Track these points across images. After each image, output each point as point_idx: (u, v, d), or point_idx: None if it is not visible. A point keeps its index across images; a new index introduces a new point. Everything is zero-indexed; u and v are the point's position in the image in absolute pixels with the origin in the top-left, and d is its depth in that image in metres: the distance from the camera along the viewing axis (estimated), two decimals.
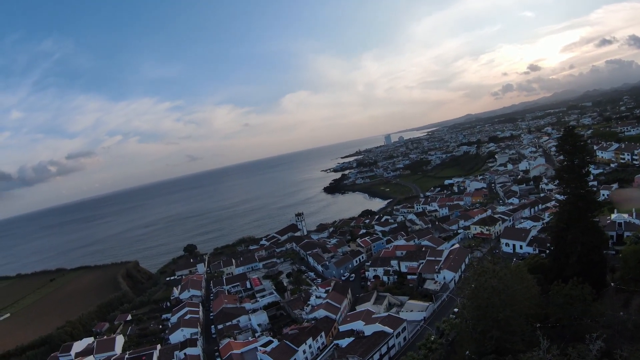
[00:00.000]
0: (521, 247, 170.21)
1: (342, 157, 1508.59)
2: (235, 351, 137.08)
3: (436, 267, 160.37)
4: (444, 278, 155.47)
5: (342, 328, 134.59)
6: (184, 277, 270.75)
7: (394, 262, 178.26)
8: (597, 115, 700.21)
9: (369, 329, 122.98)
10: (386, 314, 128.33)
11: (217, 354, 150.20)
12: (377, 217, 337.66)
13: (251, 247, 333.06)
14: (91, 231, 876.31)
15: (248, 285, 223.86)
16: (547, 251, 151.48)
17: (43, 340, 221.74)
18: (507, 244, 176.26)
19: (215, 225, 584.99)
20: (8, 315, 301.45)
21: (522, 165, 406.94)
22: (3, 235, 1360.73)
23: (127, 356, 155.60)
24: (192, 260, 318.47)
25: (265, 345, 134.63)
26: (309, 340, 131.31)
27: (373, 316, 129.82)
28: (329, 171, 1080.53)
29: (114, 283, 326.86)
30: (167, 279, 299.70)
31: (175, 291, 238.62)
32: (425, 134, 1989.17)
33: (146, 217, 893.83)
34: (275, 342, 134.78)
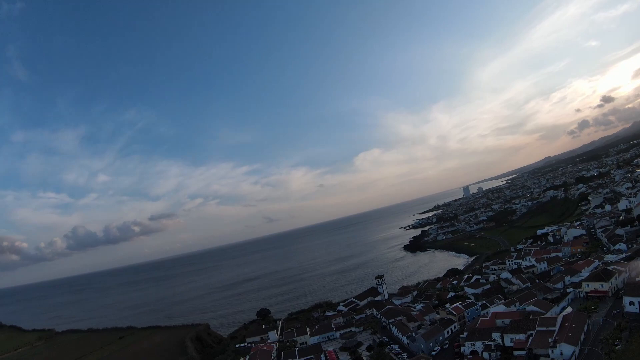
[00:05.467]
0: None
1: (420, 213, 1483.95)
2: None
3: (550, 339, 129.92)
4: (561, 354, 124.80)
5: None
6: (254, 345, 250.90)
7: (495, 335, 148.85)
8: None
9: None
10: None
11: None
12: (465, 277, 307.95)
13: (327, 314, 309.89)
14: (169, 291, 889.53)
15: (323, 359, 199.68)
16: None
17: None
18: (631, 302, 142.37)
19: (291, 289, 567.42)
20: None
21: (622, 205, 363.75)
22: (85, 289, 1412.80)
23: None
24: (264, 327, 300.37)
25: None
26: None
27: None
28: (408, 228, 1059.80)
29: (182, 346, 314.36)
30: (237, 345, 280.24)
31: None
32: (505, 182, 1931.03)
33: (223, 279, 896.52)
34: None
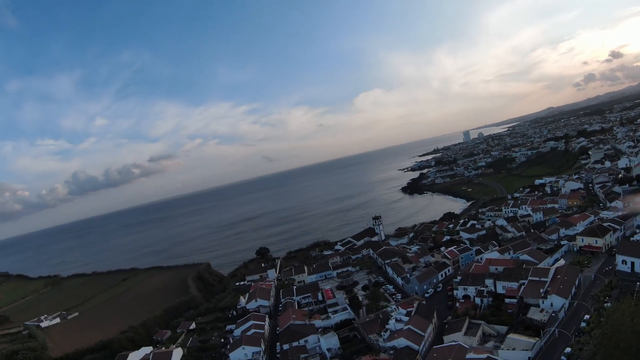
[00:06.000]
0: None
1: (419, 156, 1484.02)
2: None
3: (541, 290, 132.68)
4: (551, 305, 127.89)
5: None
6: (253, 283, 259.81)
7: (488, 281, 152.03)
8: None
9: None
10: (485, 356, 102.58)
11: None
12: (461, 221, 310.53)
13: (325, 253, 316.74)
14: (170, 232, 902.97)
15: (320, 297, 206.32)
16: None
17: (104, 344, 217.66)
18: (624, 262, 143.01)
19: (290, 228, 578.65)
20: (76, 314, 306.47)
21: (622, 163, 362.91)
22: (86, 233, 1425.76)
23: None
24: (263, 265, 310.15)
25: None
26: None
27: (467, 356, 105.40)
28: (406, 170, 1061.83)
29: (184, 285, 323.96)
30: (237, 284, 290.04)
31: (242, 300, 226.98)
32: (506, 129, 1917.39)
33: (223, 218, 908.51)
34: None
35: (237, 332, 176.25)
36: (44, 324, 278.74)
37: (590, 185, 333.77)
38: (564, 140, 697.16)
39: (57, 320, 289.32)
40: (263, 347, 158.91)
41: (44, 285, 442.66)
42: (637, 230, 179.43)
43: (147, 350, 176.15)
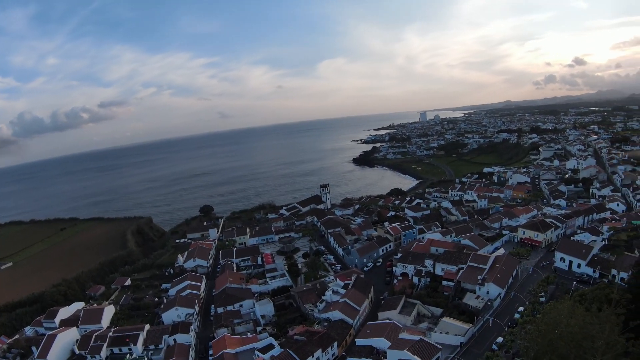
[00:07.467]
0: (579, 265, 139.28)
1: (374, 129, 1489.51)
2: (229, 350, 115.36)
3: (479, 276, 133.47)
4: (488, 292, 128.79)
5: (360, 342, 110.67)
6: (194, 241, 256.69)
7: (428, 262, 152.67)
8: None
9: (393, 355, 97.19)
10: (418, 337, 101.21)
11: (210, 344, 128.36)
12: (407, 199, 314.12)
13: (270, 216, 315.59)
14: (115, 182, 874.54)
15: (259, 261, 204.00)
16: (611, 277, 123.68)
17: (36, 298, 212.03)
18: (562, 259, 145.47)
19: (237, 189, 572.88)
20: (10, 264, 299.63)
21: (570, 164, 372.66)
22: (27, 178, 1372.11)
23: (110, 334, 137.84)
24: (205, 224, 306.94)
25: (264, 350, 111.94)
26: (318, 352, 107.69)
27: (400, 336, 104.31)
28: (360, 142, 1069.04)
29: (123, 239, 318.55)
30: (177, 241, 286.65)
31: (180, 259, 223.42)
32: (462, 115, 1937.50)
33: (171, 172, 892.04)
34: (277, 348, 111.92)
35: (172, 292, 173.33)
36: None
37: (536, 180, 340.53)
38: (517, 133, 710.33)
39: None
40: (197, 308, 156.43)
41: None
42: (579, 231, 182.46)
43: (78, 305, 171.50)
